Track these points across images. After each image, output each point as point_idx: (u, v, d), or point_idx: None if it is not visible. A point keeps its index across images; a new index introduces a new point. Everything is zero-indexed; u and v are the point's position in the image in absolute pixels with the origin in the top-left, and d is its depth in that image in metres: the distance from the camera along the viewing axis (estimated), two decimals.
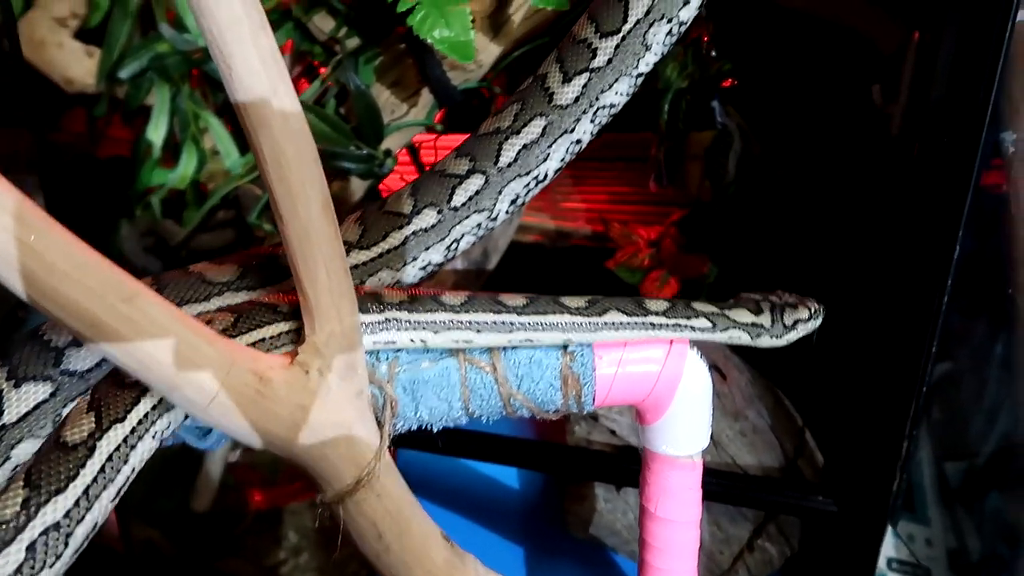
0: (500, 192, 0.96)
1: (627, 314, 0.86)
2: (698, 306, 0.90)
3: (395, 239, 0.93)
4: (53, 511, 0.65)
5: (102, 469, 0.69)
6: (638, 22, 0.92)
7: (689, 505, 0.93)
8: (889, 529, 1.44)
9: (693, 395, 0.87)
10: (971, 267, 1.26)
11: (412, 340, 0.82)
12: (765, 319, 0.92)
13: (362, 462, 0.74)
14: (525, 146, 0.94)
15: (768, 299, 0.95)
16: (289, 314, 0.76)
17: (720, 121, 1.62)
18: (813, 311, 0.95)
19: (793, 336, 0.94)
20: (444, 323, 0.82)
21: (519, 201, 0.99)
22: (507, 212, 0.99)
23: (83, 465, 0.68)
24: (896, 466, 1.20)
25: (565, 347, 0.84)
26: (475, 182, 0.94)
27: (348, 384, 0.73)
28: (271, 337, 0.75)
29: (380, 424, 0.78)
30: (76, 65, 1.48)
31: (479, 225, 0.97)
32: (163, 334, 0.62)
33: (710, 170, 1.65)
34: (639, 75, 0.96)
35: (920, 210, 1.15)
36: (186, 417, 0.74)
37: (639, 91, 1.64)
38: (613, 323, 0.85)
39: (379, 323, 0.81)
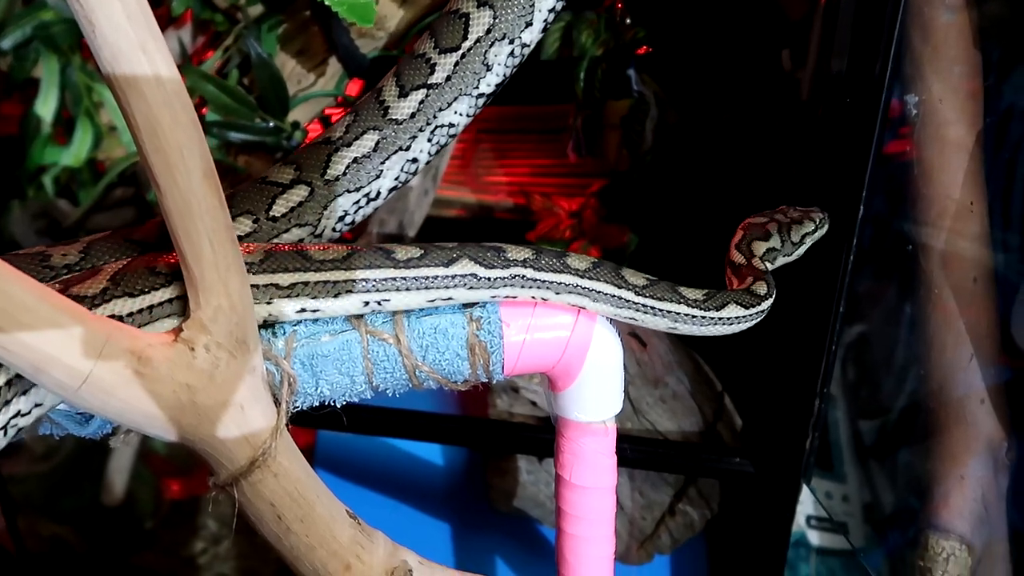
0: (326, 207, 0.90)
1: (744, 306, 0.86)
2: (768, 265, 0.91)
3: None
4: None
5: None
6: (479, 40, 0.90)
7: (603, 471, 0.92)
8: (807, 488, 1.47)
9: (603, 360, 0.86)
10: (882, 231, 1.28)
11: (533, 297, 0.82)
12: (775, 241, 0.93)
13: (257, 442, 0.71)
14: (356, 160, 0.90)
15: (774, 219, 0.97)
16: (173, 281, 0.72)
17: (636, 89, 1.62)
18: (818, 221, 0.97)
19: (802, 250, 0.96)
20: (567, 285, 0.82)
21: (348, 219, 0.94)
22: (334, 230, 0.94)
23: None
24: (808, 425, 1.23)
25: (471, 314, 0.82)
26: (299, 193, 0.89)
27: (239, 361, 0.69)
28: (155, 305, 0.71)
29: (277, 402, 0.75)
30: None
31: (300, 241, 0.91)
32: (22, 312, 0.57)
33: (627, 139, 1.65)
34: (480, 95, 0.93)
35: (826, 172, 1.17)
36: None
37: (555, 60, 1.63)
38: (730, 318, 0.85)
39: (504, 279, 0.80)
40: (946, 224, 1.15)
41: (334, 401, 0.82)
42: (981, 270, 1.14)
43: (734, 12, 1.51)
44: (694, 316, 0.85)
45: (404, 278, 0.78)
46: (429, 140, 0.93)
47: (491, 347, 0.82)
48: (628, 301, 0.83)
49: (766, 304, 0.88)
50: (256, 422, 0.71)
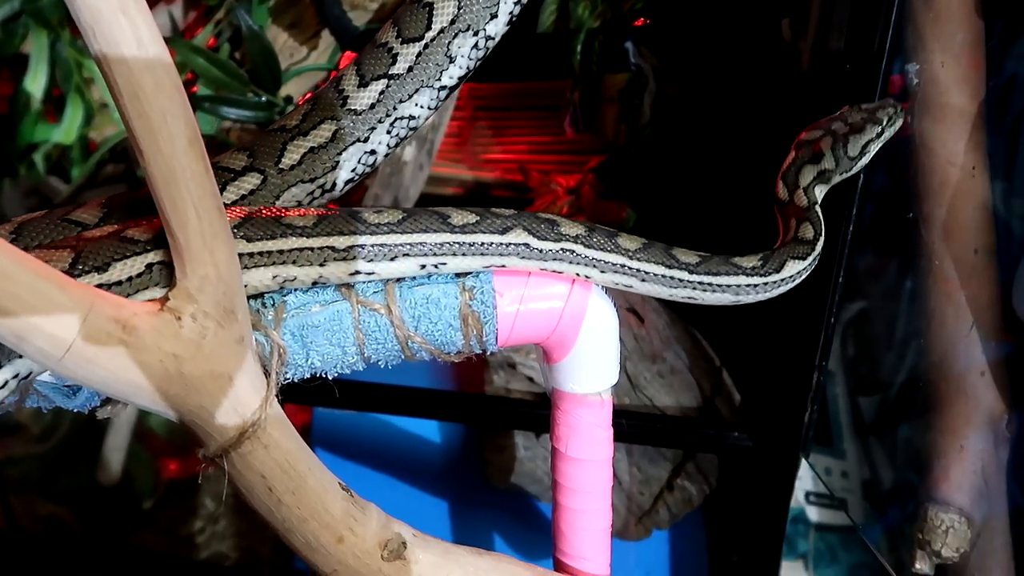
0: (279, 197, 0.88)
1: (801, 259, 0.84)
2: (817, 193, 0.88)
3: None
4: None
5: None
6: (442, 31, 0.87)
7: (599, 444, 0.91)
8: (806, 463, 1.47)
9: (599, 330, 0.84)
10: (883, 205, 1.27)
11: (578, 274, 0.83)
12: (828, 161, 0.88)
13: (246, 413, 0.70)
14: (312, 150, 0.88)
15: (831, 130, 0.89)
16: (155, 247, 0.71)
17: (634, 62, 1.59)
18: (886, 120, 0.89)
19: (865, 160, 0.89)
20: (613, 265, 0.81)
21: None
22: None
23: None
24: (807, 399, 1.22)
25: (464, 284, 0.81)
26: (251, 181, 0.86)
27: (227, 331, 0.68)
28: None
29: (267, 373, 0.74)
30: None
31: None
32: (2, 279, 0.56)
33: (626, 113, 1.63)
34: (442, 88, 0.90)
35: None
36: None
37: (551, 33, 1.60)
38: (792, 276, 0.83)
39: (553, 252, 0.81)
40: (947, 194, 1.13)
41: (325, 373, 0.81)
42: (982, 241, 1.13)
43: None
44: (756, 285, 0.83)
45: (460, 243, 0.79)
46: (388, 132, 0.90)
47: (484, 317, 0.81)
48: (683, 281, 0.82)
49: (819, 246, 0.84)
50: (245, 393, 0.70)
